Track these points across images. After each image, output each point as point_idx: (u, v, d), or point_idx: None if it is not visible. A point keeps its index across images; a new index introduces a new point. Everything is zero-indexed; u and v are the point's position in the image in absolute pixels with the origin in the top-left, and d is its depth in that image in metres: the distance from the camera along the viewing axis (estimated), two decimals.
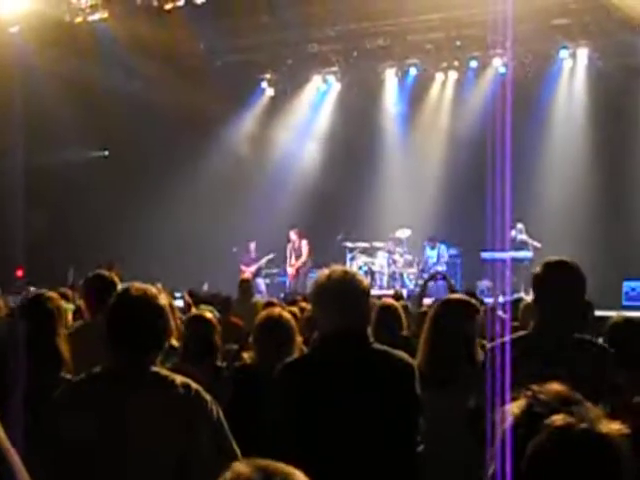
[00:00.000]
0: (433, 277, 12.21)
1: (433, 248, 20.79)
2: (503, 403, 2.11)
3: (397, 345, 4.49)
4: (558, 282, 4.32)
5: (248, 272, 20.66)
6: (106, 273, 6.40)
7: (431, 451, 4.54)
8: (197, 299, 10.63)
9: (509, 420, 1.99)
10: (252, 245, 21.22)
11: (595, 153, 20.62)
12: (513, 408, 2.01)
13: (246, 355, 5.87)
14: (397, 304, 7.68)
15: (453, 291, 9.09)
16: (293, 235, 20.61)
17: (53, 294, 5.18)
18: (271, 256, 21.08)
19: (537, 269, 4.46)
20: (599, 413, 1.94)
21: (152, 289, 3.72)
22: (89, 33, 19.36)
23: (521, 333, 4.42)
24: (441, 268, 20.50)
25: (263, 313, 5.80)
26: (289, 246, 20.68)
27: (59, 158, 20.85)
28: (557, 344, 4.18)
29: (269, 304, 9.99)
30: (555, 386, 2.03)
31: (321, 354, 4.11)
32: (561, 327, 4.25)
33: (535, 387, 2.03)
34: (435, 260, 20.71)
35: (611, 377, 4.15)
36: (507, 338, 4.32)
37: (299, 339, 5.54)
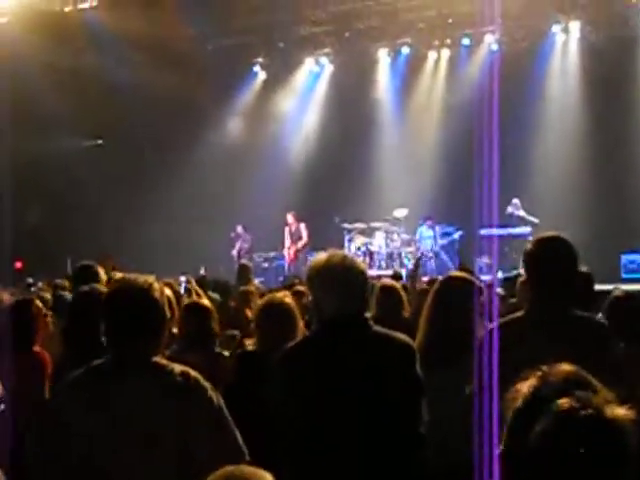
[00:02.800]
0: (419, 260, 12.09)
1: (430, 228, 20.78)
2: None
3: (398, 326, 4.48)
4: (549, 258, 4.25)
5: (233, 254, 20.81)
6: (91, 264, 6.40)
7: (435, 431, 4.55)
8: (204, 285, 10.63)
9: (518, 402, 1.99)
10: (238, 227, 21.30)
11: (590, 127, 20.60)
12: (523, 389, 2.01)
13: (249, 341, 5.86)
14: (397, 285, 7.67)
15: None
16: (290, 218, 20.60)
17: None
18: (241, 240, 21.22)
19: (528, 246, 4.42)
20: (607, 397, 1.93)
21: (148, 279, 3.71)
22: (79, 21, 19.33)
23: (518, 314, 4.35)
24: (439, 246, 20.56)
25: (265, 298, 5.78)
26: (286, 229, 20.67)
27: (53, 148, 20.80)
28: (554, 321, 4.14)
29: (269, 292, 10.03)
30: (565, 367, 2.02)
31: (321, 339, 4.09)
32: (557, 303, 4.20)
33: (545, 367, 2.02)
34: (433, 241, 20.70)
35: (612, 353, 4.14)
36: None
37: (301, 324, 5.51)
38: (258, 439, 3.80)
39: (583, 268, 6.22)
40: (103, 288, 3.73)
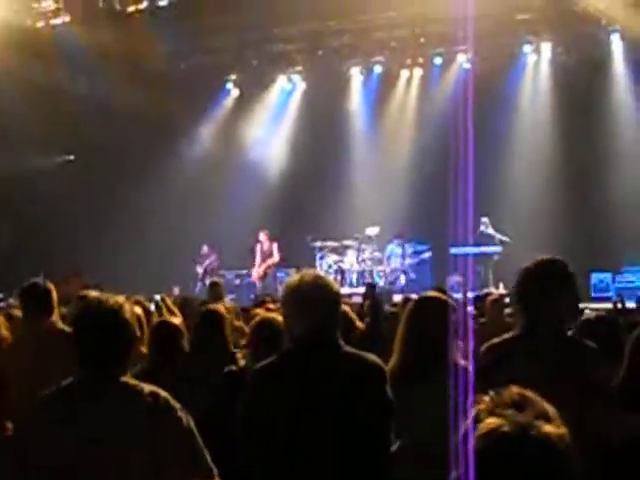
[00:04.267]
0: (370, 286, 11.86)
1: (399, 246, 20.85)
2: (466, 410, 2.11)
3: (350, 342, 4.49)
4: (550, 280, 4.26)
5: (199, 272, 20.81)
6: (40, 282, 6.36)
7: (410, 450, 4.55)
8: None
9: (462, 427, 2.01)
10: (204, 247, 21.28)
11: (560, 147, 20.75)
12: (469, 415, 2.02)
13: (241, 360, 5.87)
14: (345, 308, 7.69)
15: (376, 307, 9.06)
16: (262, 236, 20.59)
17: None
18: (212, 257, 21.16)
19: (527, 267, 4.39)
20: (539, 414, 1.93)
21: (119, 299, 3.69)
22: (51, 37, 19.24)
23: (512, 334, 4.37)
24: (407, 263, 20.63)
25: (258, 317, 5.84)
26: (257, 247, 20.65)
27: (23, 164, 20.68)
28: (550, 345, 4.16)
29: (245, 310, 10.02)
30: (513, 389, 2.02)
31: (291, 358, 4.09)
32: (554, 327, 4.24)
33: (493, 392, 2.03)
34: (401, 259, 20.76)
35: (596, 377, 4.15)
36: (500, 339, 4.32)
37: None
38: (233, 458, 3.80)
39: None
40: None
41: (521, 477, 1.86)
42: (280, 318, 5.49)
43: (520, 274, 4.38)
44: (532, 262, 4.41)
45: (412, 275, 20.75)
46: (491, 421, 1.91)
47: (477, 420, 1.95)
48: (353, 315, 7.49)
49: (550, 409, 1.98)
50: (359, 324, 7.79)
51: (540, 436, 1.88)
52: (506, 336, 4.38)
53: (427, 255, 21.01)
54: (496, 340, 4.41)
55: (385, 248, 21.08)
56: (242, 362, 5.78)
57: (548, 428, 1.90)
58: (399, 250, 20.85)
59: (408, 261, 20.88)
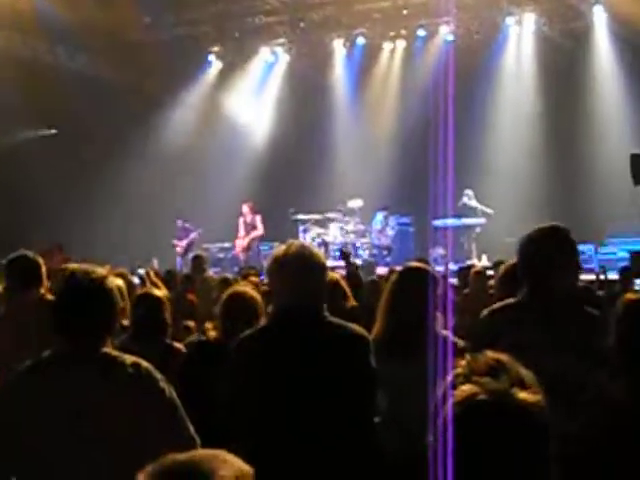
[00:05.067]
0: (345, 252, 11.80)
1: (385, 217, 20.86)
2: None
3: (340, 317, 4.50)
4: (550, 248, 4.26)
5: (180, 246, 20.71)
6: (30, 254, 6.31)
7: (396, 420, 4.56)
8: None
9: (439, 392, 2.01)
10: (178, 221, 21.16)
11: (542, 119, 20.80)
12: (447, 380, 2.02)
13: (211, 331, 5.85)
14: (336, 275, 7.68)
15: (352, 273, 9.09)
16: (246, 209, 20.48)
17: None
18: (199, 231, 21.05)
19: (528, 234, 4.40)
20: (515, 381, 1.93)
21: (100, 271, 3.69)
22: (31, 9, 19.02)
23: (516, 300, 4.37)
24: (390, 234, 20.65)
25: (230, 290, 5.80)
26: (241, 219, 20.56)
27: (5, 139, 20.54)
28: (554, 311, 4.16)
29: (225, 280, 10.02)
30: (489, 354, 2.02)
31: (277, 328, 4.10)
32: (558, 293, 4.23)
33: (470, 356, 2.03)
34: (379, 227, 20.70)
35: (597, 343, 4.16)
36: (502, 303, 4.32)
37: (263, 316, 5.51)
38: (213, 427, 3.80)
39: None
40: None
41: (497, 445, 1.86)
42: (252, 291, 5.52)
43: (522, 241, 4.38)
44: (534, 229, 4.40)
45: (393, 247, 20.76)
46: (466, 388, 1.91)
47: (453, 386, 1.95)
48: (346, 287, 7.45)
49: (526, 374, 1.96)
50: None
51: (515, 403, 1.88)
52: (509, 301, 4.39)
53: (409, 227, 21.04)
54: (499, 305, 4.41)
55: (374, 218, 21.03)
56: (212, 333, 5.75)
57: (523, 395, 1.89)
58: (382, 219, 20.83)
59: (390, 232, 20.87)
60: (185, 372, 5.54)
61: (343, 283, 7.40)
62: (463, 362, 2.02)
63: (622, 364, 4.67)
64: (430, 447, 1.97)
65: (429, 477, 1.93)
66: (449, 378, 2.01)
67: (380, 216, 20.79)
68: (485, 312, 4.45)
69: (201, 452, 1.91)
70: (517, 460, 1.86)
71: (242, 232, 20.38)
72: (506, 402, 1.88)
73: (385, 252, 20.46)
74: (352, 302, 7.32)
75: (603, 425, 3.36)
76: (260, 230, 20.27)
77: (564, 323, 4.08)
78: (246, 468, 1.84)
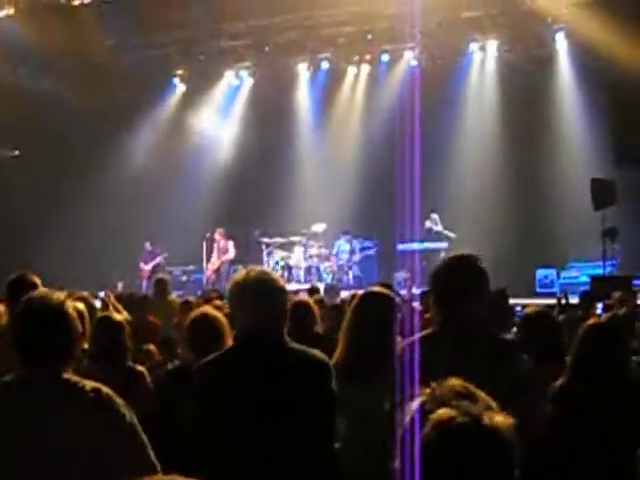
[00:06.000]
0: None
1: (347, 242, 20.93)
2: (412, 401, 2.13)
3: (311, 341, 4.49)
4: (456, 278, 4.23)
5: (146, 269, 20.65)
6: (27, 274, 6.29)
7: (355, 445, 4.56)
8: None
9: (407, 417, 2.03)
10: (147, 244, 21.12)
11: (506, 144, 20.92)
12: (412, 406, 2.05)
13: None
14: (310, 300, 7.68)
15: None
16: (217, 236, 20.54)
17: None
18: (165, 255, 21.03)
19: (441, 263, 4.42)
20: (487, 406, 1.99)
21: (59, 295, 3.66)
22: None
23: (429, 331, 4.34)
24: (355, 260, 20.75)
25: (196, 312, 5.80)
26: (215, 245, 20.58)
27: None
28: (460, 340, 4.15)
29: (186, 303, 9.98)
30: (453, 381, 2.07)
31: (239, 352, 4.10)
32: (464, 322, 4.19)
33: (434, 384, 2.07)
34: (348, 255, 20.87)
35: (514, 369, 4.17)
36: (416, 336, 4.31)
37: (230, 339, 5.49)
38: (176, 453, 3.79)
39: (497, 285, 6.34)
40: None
41: (472, 466, 1.90)
42: (218, 313, 5.51)
43: (435, 270, 4.38)
44: (446, 259, 4.43)
45: (358, 272, 20.83)
46: (443, 412, 1.94)
47: (425, 411, 1.97)
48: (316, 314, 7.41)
49: (492, 401, 2.02)
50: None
51: (493, 426, 1.92)
52: (424, 333, 4.34)
53: (372, 251, 21.12)
54: (414, 338, 4.40)
55: (333, 244, 21.14)
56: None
57: (499, 418, 1.95)
58: (347, 246, 20.92)
59: (356, 257, 20.96)
60: (156, 399, 5.54)
61: (314, 307, 7.38)
62: (427, 389, 2.05)
63: (570, 379, 4.74)
64: (398, 471, 2.00)
65: None
66: (415, 403, 2.04)
67: (342, 241, 20.90)
68: (400, 346, 4.43)
69: (169, 477, 1.90)
70: (496, 478, 1.91)
71: (215, 259, 20.43)
72: (484, 425, 1.92)
73: (349, 272, 20.62)
74: (319, 327, 7.30)
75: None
76: (231, 254, 20.30)
77: (477, 351, 4.05)
78: None
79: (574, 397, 4.73)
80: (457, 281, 4.22)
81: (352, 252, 20.94)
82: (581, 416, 4.64)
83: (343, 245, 21.00)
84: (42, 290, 3.75)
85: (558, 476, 4.65)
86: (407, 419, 2.02)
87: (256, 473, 3.85)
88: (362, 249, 21.16)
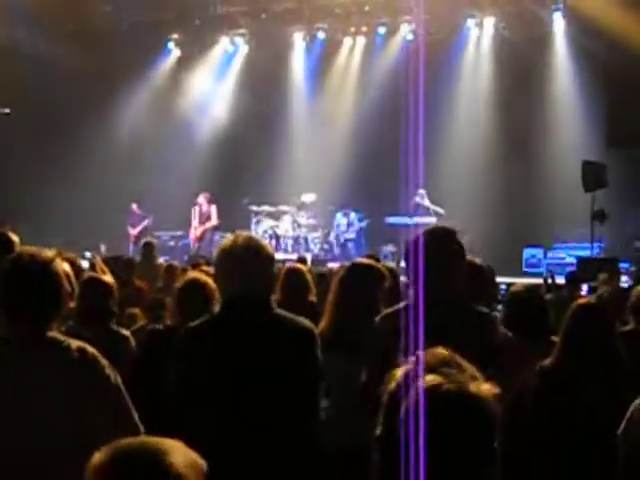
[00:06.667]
0: None
1: (345, 215, 20.94)
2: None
3: (303, 310, 4.50)
4: (429, 251, 4.13)
5: (133, 234, 20.58)
6: (5, 230, 6.21)
7: (340, 413, 4.58)
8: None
9: (392, 385, 2.05)
10: (134, 206, 20.99)
11: (499, 122, 20.87)
12: (397, 373, 2.07)
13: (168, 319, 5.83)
14: (303, 268, 7.65)
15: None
16: (201, 199, 20.35)
17: None
18: (150, 218, 20.91)
19: (415, 237, 4.31)
20: (473, 375, 2.01)
21: (47, 253, 3.64)
22: None
23: (404, 304, 4.26)
24: (351, 236, 20.74)
25: (187, 276, 5.83)
26: (196, 209, 20.41)
27: None
28: (441, 315, 4.11)
29: (170, 267, 9.99)
30: (438, 350, 2.09)
31: (223, 318, 4.10)
32: (444, 296, 4.17)
33: (420, 352, 2.09)
34: (345, 228, 20.88)
35: (491, 342, 4.18)
36: (392, 309, 4.30)
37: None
38: (160, 416, 3.79)
39: (481, 262, 6.35)
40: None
41: (457, 433, 1.92)
42: (207, 279, 5.51)
43: (408, 244, 4.35)
44: (423, 232, 4.32)
45: (350, 244, 20.84)
46: (431, 378, 1.96)
47: (412, 378, 1.99)
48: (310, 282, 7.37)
49: (477, 372, 2.04)
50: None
51: (478, 395, 1.95)
52: (399, 306, 4.31)
53: (364, 224, 21.10)
54: (389, 311, 4.39)
55: (333, 217, 21.13)
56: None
57: (486, 387, 1.98)
58: (344, 220, 20.94)
59: (353, 229, 20.96)
60: (140, 360, 5.54)
61: (308, 275, 7.35)
62: (413, 357, 2.07)
63: (559, 358, 4.76)
64: (381, 439, 2.03)
65: (387, 466, 1.97)
66: (401, 371, 2.05)
67: (340, 214, 20.92)
68: (377, 319, 4.42)
69: (154, 439, 1.91)
70: (479, 446, 1.94)
71: (196, 222, 20.26)
72: (471, 393, 1.94)
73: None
74: (313, 296, 7.26)
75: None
76: (214, 221, 20.16)
77: (453, 326, 4.01)
78: (199, 461, 1.86)
79: (564, 375, 4.73)
80: (432, 255, 4.13)
81: (349, 225, 20.92)
82: (570, 395, 4.66)
83: (340, 219, 21.01)
84: (31, 248, 3.73)
85: (542, 454, 4.68)
86: (392, 386, 2.03)
87: (240, 438, 3.87)
88: (355, 222, 21.12)
